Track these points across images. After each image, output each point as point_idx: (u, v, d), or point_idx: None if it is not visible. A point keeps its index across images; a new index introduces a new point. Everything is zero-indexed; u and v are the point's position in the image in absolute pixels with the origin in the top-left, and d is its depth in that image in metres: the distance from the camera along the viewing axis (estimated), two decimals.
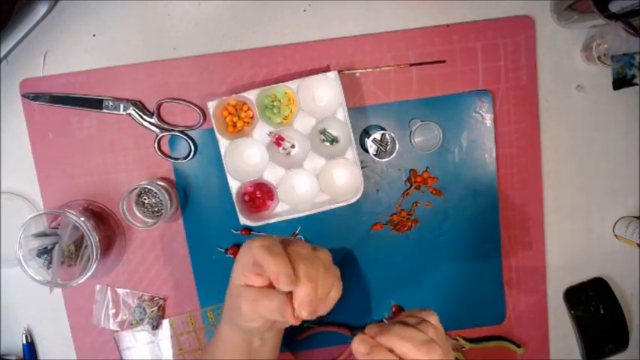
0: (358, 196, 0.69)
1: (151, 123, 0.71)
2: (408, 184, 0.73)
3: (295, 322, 0.47)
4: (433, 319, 0.49)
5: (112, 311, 0.74)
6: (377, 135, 0.69)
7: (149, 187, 0.69)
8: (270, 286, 0.49)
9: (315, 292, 0.47)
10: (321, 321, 0.75)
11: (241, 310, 0.50)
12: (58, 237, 0.67)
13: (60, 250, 0.66)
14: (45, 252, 0.67)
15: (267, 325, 0.52)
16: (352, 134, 0.68)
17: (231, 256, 0.73)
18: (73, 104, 0.71)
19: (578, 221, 0.76)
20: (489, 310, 0.76)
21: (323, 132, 0.71)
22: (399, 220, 0.74)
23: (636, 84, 0.71)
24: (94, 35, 0.71)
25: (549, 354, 0.78)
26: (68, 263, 0.68)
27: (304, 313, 0.47)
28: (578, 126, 0.74)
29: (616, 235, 0.76)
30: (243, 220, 0.69)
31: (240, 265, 0.51)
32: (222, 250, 0.73)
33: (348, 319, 0.76)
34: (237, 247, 0.73)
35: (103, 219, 0.72)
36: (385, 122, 0.72)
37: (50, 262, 0.67)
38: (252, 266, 0.50)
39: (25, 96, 0.71)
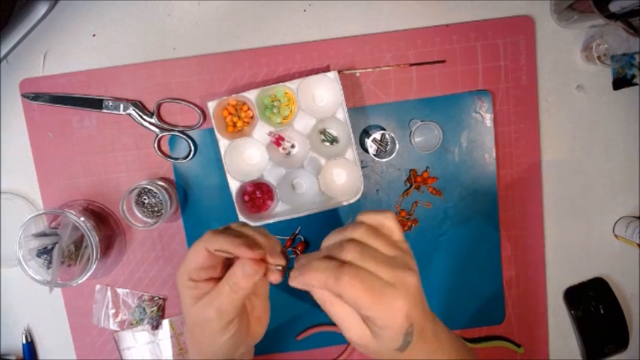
0: (358, 196, 0.69)
1: (151, 123, 0.71)
2: (408, 184, 0.73)
3: None
4: (367, 217, 0.42)
5: (111, 311, 0.74)
6: (377, 135, 0.69)
7: (149, 187, 0.69)
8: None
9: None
10: (321, 321, 0.75)
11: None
12: (58, 237, 0.67)
13: (60, 250, 0.66)
14: (45, 252, 0.67)
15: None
16: (352, 134, 0.68)
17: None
18: (73, 104, 0.71)
19: (578, 221, 0.76)
20: (489, 310, 0.76)
21: (323, 132, 0.71)
22: (399, 220, 0.74)
23: (636, 84, 0.71)
24: (94, 35, 0.71)
25: (549, 354, 0.78)
26: (68, 263, 0.68)
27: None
28: (578, 126, 0.74)
29: (616, 235, 0.76)
30: (243, 220, 0.69)
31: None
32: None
33: None
34: None
35: (103, 219, 0.72)
36: (385, 122, 0.72)
37: (50, 262, 0.67)
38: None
39: (25, 96, 0.71)
